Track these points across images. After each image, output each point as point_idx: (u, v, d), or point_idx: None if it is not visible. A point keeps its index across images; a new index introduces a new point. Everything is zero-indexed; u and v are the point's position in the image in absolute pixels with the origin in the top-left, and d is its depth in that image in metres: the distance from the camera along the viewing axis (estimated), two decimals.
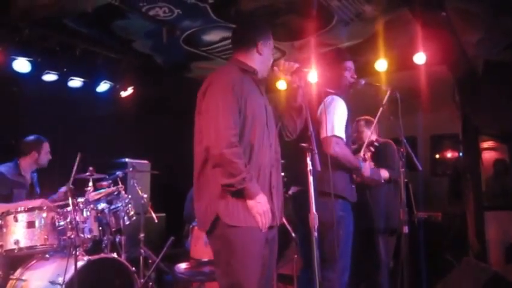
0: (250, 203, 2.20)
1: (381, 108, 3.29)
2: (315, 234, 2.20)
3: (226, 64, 2.59)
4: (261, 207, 2.21)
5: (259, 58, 2.45)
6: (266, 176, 2.32)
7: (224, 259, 2.25)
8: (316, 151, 2.23)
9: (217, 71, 2.39)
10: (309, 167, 2.23)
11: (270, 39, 2.50)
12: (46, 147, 4.13)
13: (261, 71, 2.47)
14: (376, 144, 3.41)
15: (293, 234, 3.47)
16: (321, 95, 2.94)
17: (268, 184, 2.32)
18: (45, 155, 4.12)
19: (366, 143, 3.34)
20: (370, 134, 3.54)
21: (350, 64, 3.17)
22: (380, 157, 3.61)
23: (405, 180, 3.42)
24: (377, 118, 3.40)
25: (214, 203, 2.25)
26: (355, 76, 3.17)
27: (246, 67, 2.42)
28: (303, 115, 2.39)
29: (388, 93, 3.25)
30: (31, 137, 4.13)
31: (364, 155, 3.27)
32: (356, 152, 3.49)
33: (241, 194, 2.21)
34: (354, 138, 3.96)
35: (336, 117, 2.85)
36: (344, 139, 2.90)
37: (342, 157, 2.82)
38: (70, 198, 3.33)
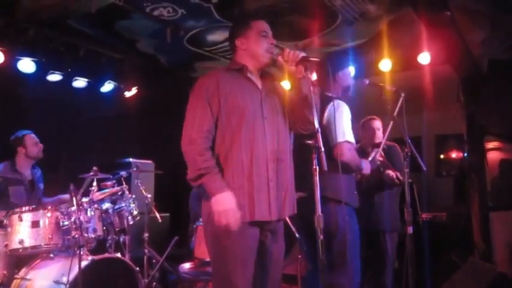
0: (212, 200, 2.20)
1: (396, 111, 3.26)
2: (321, 236, 2.16)
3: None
4: (219, 206, 2.18)
5: (245, 53, 2.44)
6: (261, 169, 2.30)
7: (213, 256, 2.34)
8: (323, 149, 2.18)
9: (203, 75, 2.45)
10: (315, 165, 2.19)
11: (251, 27, 2.43)
12: (30, 139, 4.13)
13: (256, 62, 2.43)
14: (384, 147, 3.45)
15: (297, 235, 3.46)
16: (320, 99, 2.93)
17: (265, 177, 2.29)
18: (32, 146, 4.12)
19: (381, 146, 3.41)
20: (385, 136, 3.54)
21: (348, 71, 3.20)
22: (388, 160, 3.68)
23: (410, 180, 3.44)
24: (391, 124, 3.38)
25: (206, 202, 2.32)
26: (352, 81, 3.19)
27: (233, 66, 2.45)
28: (310, 106, 2.31)
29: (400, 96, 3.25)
30: (13, 135, 4.16)
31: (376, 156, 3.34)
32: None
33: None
34: (362, 138, 4.00)
35: (346, 122, 2.85)
36: (354, 143, 2.91)
37: (353, 162, 2.82)
38: (73, 198, 3.34)
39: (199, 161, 2.22)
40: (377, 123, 4.00)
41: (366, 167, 3.10)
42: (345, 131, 2.82)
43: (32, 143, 4.13)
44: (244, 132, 2.29)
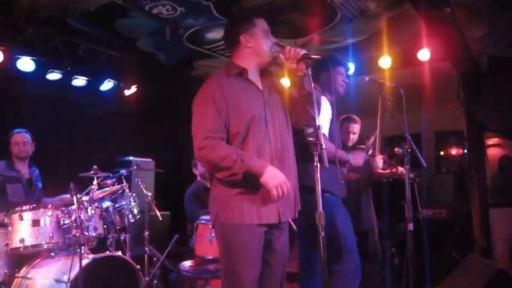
0: (262, 180, 2.19)
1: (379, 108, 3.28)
2: (322, 233, 2.16)
3: (217, 70, 2.56)
4: (275, 180, 2.18)
5: (249, 51, 2.41)
6: None
7: (222, 255, 2.36)
8: (324, 146, 2.18)
9: (205, 82, 2.42)
10: (316, 162, 2.18)
11: (256, 25, 2.41)
12: (13, 139, 4.15)
13: (260, 60, 2.42)
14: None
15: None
16: None
17: None
18: (14, 146, 4.13)
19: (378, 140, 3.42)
20: (378, 132, 3.54)
21: (342, 70, 3.21)
22: None
23: (413, 176, 3.49)
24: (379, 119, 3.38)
25: (214, 202, 2.35)
26: (347, 81, 3.21)
27: (232, 69, 2.41)
28: (313, 102, 2.29)
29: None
30: None
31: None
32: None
33: (234, 191, 2.25)
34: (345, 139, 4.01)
35: (321, 116, 2.85)
36: (327, 136, 2.91)
37: (327, 153, 2.80)
38: (74, 197, 3.34)
39: (231, 153, 2.20)
40: (355, 127, 3.99)
41: (355, 158, 3.12)
42: None
43: (14, 142, 4.13)
44: (251, 138, 2.29)
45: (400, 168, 3.92)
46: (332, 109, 3.09)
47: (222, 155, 2.20)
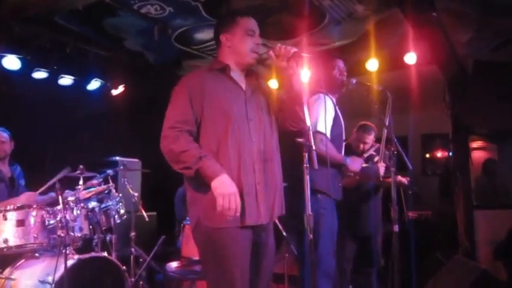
0: (212, 184, 2.12)
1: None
2: (310, 236, 2.16)
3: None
4: (223, 189, 2.10)
5: (228, 50, 2.40)
6: (249, 172, 2.26)
7: (207, 259, 2.30)
8: (314, 147, 2.17)
9: (187, 74, 2.42)
10: (306, 163, 2.18)
11: (238, 24, 2.38)
12: None
13: (239, 61, 2.39)
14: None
15: (284, 233, 3.48)
16: (311, 94, 2.96)
17: (252, 180, 2.26)
18: None
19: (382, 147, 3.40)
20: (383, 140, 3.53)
21: (339, 63, 3.20)
22: None
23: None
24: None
25: (194, 205, 2.30)
26: (345, 74, 3.20)
27: (216, 65, 2.41)
28: (301, 103, 2.28)
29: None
30: None
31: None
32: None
33: (213, 195, 2.19)
34: (352, 138, 4.02)
35: (320, 114, 2.86)
36: (328, 136, 2.91)
37: (324, 153, 2.80)
38: (59, 197, 3.31)
39: (193, 148, 2.17)
40: (367, 138, 3.98)
41: (353, 163, 3.10)
42: (317, 122, 2.86)
43: None
44: (230, 135, 2.25)
45: (398, 177, 3.96)
46: (335, 108, 3.10)
47: (184, 148, 2.17)
